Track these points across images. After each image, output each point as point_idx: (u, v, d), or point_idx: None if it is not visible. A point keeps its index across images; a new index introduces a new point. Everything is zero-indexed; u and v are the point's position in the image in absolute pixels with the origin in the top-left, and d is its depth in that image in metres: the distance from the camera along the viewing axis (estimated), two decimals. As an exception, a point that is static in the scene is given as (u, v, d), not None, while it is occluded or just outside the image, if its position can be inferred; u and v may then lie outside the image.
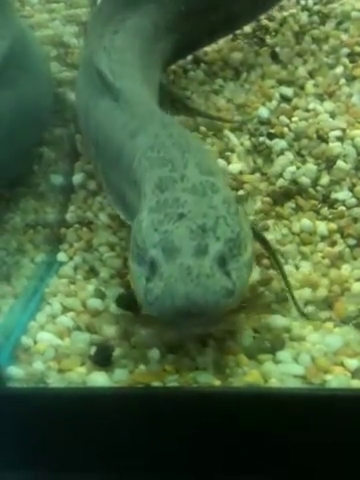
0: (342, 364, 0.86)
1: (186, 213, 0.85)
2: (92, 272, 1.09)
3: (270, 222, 1.19)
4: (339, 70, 1.49)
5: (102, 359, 0.87)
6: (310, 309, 1.00)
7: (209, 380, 0.83)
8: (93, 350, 0.90)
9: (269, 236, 1.15)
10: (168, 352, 0.89)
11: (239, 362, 0.86)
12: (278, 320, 0.93)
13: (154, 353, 0.89)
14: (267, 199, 1.22)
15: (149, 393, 0.79)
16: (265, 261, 1.10)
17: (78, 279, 1.07)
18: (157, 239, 0.83)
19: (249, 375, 0.84)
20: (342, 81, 1.46)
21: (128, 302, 0.95)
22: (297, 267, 1.09)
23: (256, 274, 1.05)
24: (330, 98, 1.42)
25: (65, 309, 1.01)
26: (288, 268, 1.08)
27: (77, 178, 1.28)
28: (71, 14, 1.61)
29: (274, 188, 1.24)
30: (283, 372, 0.84)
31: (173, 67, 1.53)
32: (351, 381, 0.84)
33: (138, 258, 0.86)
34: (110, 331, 0.93)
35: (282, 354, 0.88)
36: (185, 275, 0.78)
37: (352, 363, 0.86)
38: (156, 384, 0.83)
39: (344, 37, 1.57)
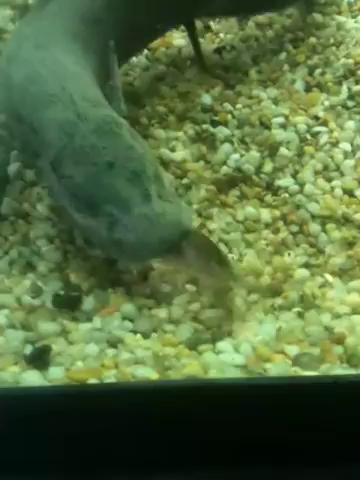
0: (283, 352, 0.85)
1: (113, 160, 0.96)
2: (29, 267, 1.04)
3: (214, 210, 1.17)
4: (282, 56, 1.49)
5: (37, 359, 0.83)
6: (254, 298, 0.99)
7: (148, 373, 0.81)
8: (28, 349, 0.87)
9: (213, 225, 1.14)
10: (108, 346, 0.86)
11: (179, 353, 0.84)
12: (218, 313, 0.91)
13: (92, 349, 0.86)
14: (211, 187, 1.21)
15: (82, 391, 0.76)
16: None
17: (13, 274, 1.02)
18: (105, 194, 0.94)
19: (188, 367, 0.82)
20: (285, 67, 1.46)
21: (66, 300, 0.93)
22: (241, 255, 1.08)
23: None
24: (273, 84, 1.42)
25: (-2, 306, 0.98)
26: (232, 257, 1.06)
27: (12, 168, 1.23)
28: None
29: (218, 176, 1.23)
30: (223, 362, 0.83)
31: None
32: (291, 368, 0.83)
33: (86, 211, 0.95)
34: (46, 328, 0.90)
35: (222, 344, 0.86)
36: (151, 220, 0.93)
37: (293, 350, 0.85)
38: (93, 381, 0.80)
39: (287, 22, 1.58)
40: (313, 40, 1.49)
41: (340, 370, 0.81)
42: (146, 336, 0.89)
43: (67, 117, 1.00)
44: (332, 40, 1.48)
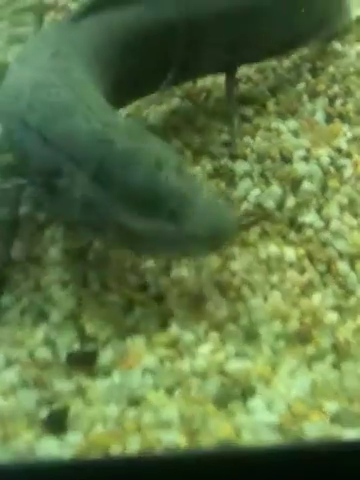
0: (320, 409, 0.78)
1: (159, 159, 0.95)
2: (42, 316, 0.98)
3: (236, 249, 1.12)
4: (301, 86, 1.45)
5: (55, 423, 0.77)
6: (282, 344, 0.92)
7: (175, 438, 0.74)
8: (43, 412, 0.80)
9: (235, 265, 1.08)
10: (130, 406, 0.80)
11: (207, 413, 0.78)
12: (246, 364, 0.85)
13: (112, 410, 0.79)
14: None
15: (105, 464, 0.69)
16: (231, 293, 1.03)
17: (25, 325, 0.96)
18: (165, 190, 0.93)
19: (220, 429, 0.75)
20: (304, 98, 1.42)
21: (81, 358, 0.87)
22: (266, 298, 1.01)
23: (223, 311, 0.97)
24: (293, 116, 1.37)
25: (9, 362, 0.90)
26: (257, 301, 1.00)
27: (23, 209, 1.19)
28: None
29: (238, 213, 1.17)
30: (256, 422, 0.76)
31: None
32: (331, 427, 0.76)
33: (147, 212, 0.92)
34: (62, 386, 0.83)
35: (253, 401, 0.80)
36: (217, 210, 0.97)
37: (331, 406, 0.78)
38: (116, 447, 0.74)
39: (305, 51, 1.54)
40: (332, 69, 1.45)
41: (383, 428, 0.75)
42: (170, 392, 0.82)
43: (94, 126, 0.96)
44: (352, 69, 1.44)
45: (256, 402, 0.79)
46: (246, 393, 0.81)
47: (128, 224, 0.92)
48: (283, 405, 0.78)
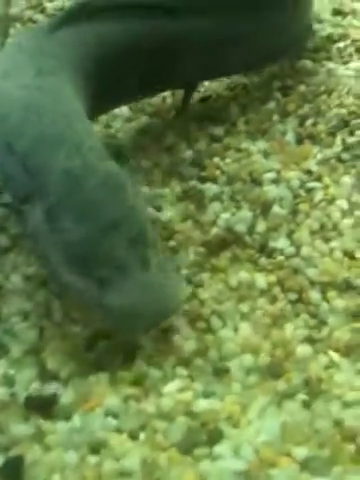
0: (289, 454, 0.75)
1: (117, 220, 0.90)
2: (1, 349, 0.93)
3: (205, 276, 1.08)
4: (272, 105, 1.42)
5: (9, 474, 0.72)
6: (253, 380, 0.89)
7: (136, 486, 0.70)
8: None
9: (204, 294, 1.05)
10: (90, 452, 0.75)
11: (171, 460, 0.74)
12: (214, 404, 0.81)
13: (71, 457, 0.75)
14: (201, 250, 1.12)
15: None
16: (201, 324, 0.99)
17: (-20, 362, 0.92)
18: (104, 254, 0.88)
19: (185, 477, 0.71)
20: (275, 117, 1.39)
21: (40, 402, 0.82)
22: (236, 329, 0.98)
23: (191, 344, 0.93)
24: (263, 136, 1.35)
25: None
26: (227, 332, 0.97)
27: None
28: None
29: (208, 238, 1.14)
30: (222, 469, 0.72)
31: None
32: (300, 475, 0.72)
33: (79, 269, 0.88)
34: (19, 430, 0.78)
35: (219, 447, 0.76)
36: (146, 291, 0.87)
37: (301, 452, 0.75)
38: (72, 499, 0.69)
39: (275, 69, 1.52)
40: (303, 88, 1.43)
41: (354, 474, 0.72)
42: (133, 436, 0.78)
43: (73, 165, 0.93)
44: (323, 88, 1.42)
45: (223, 447, 0.75)
46: (213, 437, 0.77)
47: (61, 275, 0.88)
48: (251, 450, 0.75)
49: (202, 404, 0.82)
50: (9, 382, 0.87)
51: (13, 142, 0.97)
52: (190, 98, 1.38)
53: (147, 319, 0.88)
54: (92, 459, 0.75)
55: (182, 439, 0.77)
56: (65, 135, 0.97)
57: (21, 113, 0.99)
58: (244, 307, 1.02)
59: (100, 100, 1.16)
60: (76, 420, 0.81)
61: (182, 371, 0.89)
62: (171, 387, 0.85)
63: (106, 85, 1.17)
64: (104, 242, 0.88)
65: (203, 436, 0.77)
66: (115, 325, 0.89)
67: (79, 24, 1.16)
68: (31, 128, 0.98)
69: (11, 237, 1.13)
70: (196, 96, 1.44)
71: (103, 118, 1.37)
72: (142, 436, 0.78)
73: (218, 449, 0.76)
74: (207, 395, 0.85)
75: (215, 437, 0.77)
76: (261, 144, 1.31)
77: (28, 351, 0.92)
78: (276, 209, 1.16)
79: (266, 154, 1.29)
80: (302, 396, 0.83)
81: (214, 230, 1.14)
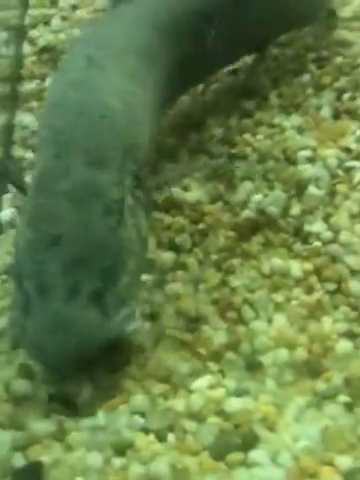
0: (331, 463, 0.68)
1: (61, 235, 0.80)
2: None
3: (236, 262, 1.01)
4: (306, 78, 1.33)
5: (30, 477, 0.66)
6: (288, 377, 0.82)
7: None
8: (17, 459, 0.69)
9: (235, 282, 0.98)
10: (115, 454, 0.70)
11: (203, 466, 0.68)
12: (248, 403, 0.75)
13: (94, 458, 0.69)
14: (231, 233, 1.05)
15: None
16: (231, 314, 0.93)
17: (3, 350, 0.85)
18: (30, 270, 0.80)
19: (217, 486, 0.66)
20: (309, 91, 1.30)
21: (63, 398, 0.75)
22: (270, 321, 0.91)
23: (222, 336, 0.87)
24: (296, 111, 1.26)
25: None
26: (260, 323, 0.90)
27: (6, 215, 1.07)
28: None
29: (239, 220, 1.07)
30: (260, 477, 0.66)
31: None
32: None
33: (17, 277, 0.81)
34: (39, 427, 0.73)
35: (255, 453, 0.70)
36: (54, 323, 0.76)
37: (345, 462, 0.68)
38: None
39: (309, 40, 1.42)
40: (339, 59, 1.34)
41: None
42: (161, 437, 0.72)
43: (55, 167, 0.85)
44: (360, 59, 1.34)
45: (259, 453, 0.69)
46: (247, 442, 0.71)
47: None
48: (289, 457, 0.69)
49: (234, 403, 0.76)
50: (29, 374, 0.81)
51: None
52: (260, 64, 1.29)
53: (47, 356, 0.76)
54: (117, 461, 0.70)
55: (214, 442, 0.71)
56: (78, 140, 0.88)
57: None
58: (278, 297, 0.95)
59: (176, 79, 1.07)
60: (100, 418, 0.76)
61: (212, 365, 0.83)
62: (201, 383, 0.80)
63: (182, 62, 1.07)
64: (36, 255, 0.79)
65: (237, 439, 0.71)
66: (25, 347, 0.80)
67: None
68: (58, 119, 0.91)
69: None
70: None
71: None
72: (171, 437, 0.72)
73: (254, 455, 0.70)
74: (240, 393, 0.78)
75: (250, 441, 0.71)
76: (295, 119, 1.23)
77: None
78: (312, 190, 1.08)
79: (300, 130, 1.21)
80: (344, 398, 0.76)
81: (245, 212, 1.07)
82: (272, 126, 1.22)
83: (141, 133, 0.94)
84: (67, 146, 0.86)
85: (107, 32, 1.05)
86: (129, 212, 0.84)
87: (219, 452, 0.70)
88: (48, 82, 1.36)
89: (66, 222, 0.80)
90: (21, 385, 0.80)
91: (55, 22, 1.54)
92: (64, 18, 1.55)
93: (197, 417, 0.75)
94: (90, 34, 1.10)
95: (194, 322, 0.91)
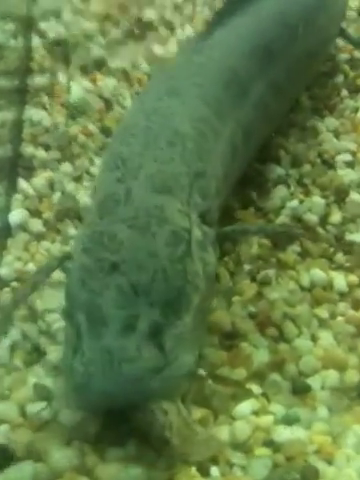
0: None
1: (120, 263, 0.72)
2: (36, 353, 0.78)
3: (271, 272, 0.93)
4: (339, 79, 1.26)
5: None
6: (341, 402, 0.73)
7: None
8: None
9: (273, 294, 0.89)
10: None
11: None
12: (299, 432, 0.65)
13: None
14: (265, 242, 0.96)
15: None
16: (272, 330, 0.84)
17: (16, 367, 0.76)
18: (83, 299, 0.72)
19: None
20: (344, 92, 1.23)
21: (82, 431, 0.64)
22: (314, 338, 0.83)
23: (263, 354, 0.78)
24: (331, 114, 1.19)
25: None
26: (304, 342, 0.82)
27: (15, 216, 0.98)
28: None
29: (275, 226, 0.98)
30: None
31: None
32: None
33: (68, 309, 0.73)
34: (62, 457, 0.62)
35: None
36: (106, 363, 0.66)
37: None
38: None
39: (339, 41, 1.35)
40: (374, 61, 1.28)
41: None
42: (204, 470, 0.62)
43: (116, 193, 0.78)
44: (395, 59, 1.26)
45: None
46: (307, 478, 0.61)
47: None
48: (360, 500, 0.60)
49: (285, 433, 0.67)
50: (46, 394, 0.71)
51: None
52: None
53: (91, 398, 0.66)
54: (154, 501, 0.60)
55: (268, 478, 0.61)
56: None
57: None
58: (322, 312, 0.86)
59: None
60: (131, 447, 0.66)
61: (255, 388, 0.74)
62: (245, 408, 0.70)
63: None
64: (90, 284, 0.71)
65: (294, 474, 0.61)
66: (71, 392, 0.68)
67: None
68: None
69: (45, 222, 0.99)
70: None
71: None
72: (215, 471, 0.63)
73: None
74: (289, 421, 0.69)
75: (310, 477, 0.61)
76: (330, 122, 1.16)
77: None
78: (354, 196, 1.00)
79: (337, 133, 1.14)
80: None
81: (280, 219, 0.99)
82: (304, 129, 1.15)
83: (212, 163, 0.86)
84: (132, 171, 0.80)
85: (195, 60, 0.98)
86: (197, 245, 0.75)
87: (274, 492, 0.61)
88: (60, 76, 1.29)
89: (127, 248, 0.71)
90: (39, 407, 0.69)
91: (66, 15, 1.46)
92: (76, 11, 1.48)
93: (243, 448, 0.65)
94: (179, 62, 1.03)
95: (231, 339, 0.82)
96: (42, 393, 0.71)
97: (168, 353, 0.67)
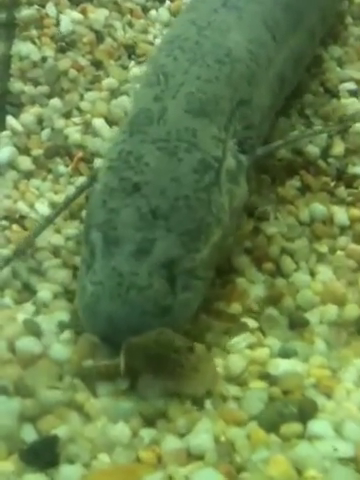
0: None
1: (142, 184, 0.70)
2: (27, 291, 0.76)
3: (270, 208, 0.89)
4: (344, 6, 1.19)
5: (40, 456, 0.54)
6: (340, 337, 0.71)
7: (212, 477, 0.53)
8: (27, 432, 0.57)
9: (271, 229, 0.86)
10: (144, 425, 0.59)
11: (252, 438, 0.57)
12: (297, 366, 0.64)
13: (120, 430, 0.58)
14: (264, 176, 0.93)
15: None
16: (269, 265, 0.81)
17: (5, 304, 0.73)
18: (101, 218, 0.70)
19: (272, 465, 0.54)
20: (348, 19, 1.17)
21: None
22: (313, 274, 0.80)
23: (260, 289, 0.76)
24: (335, 42, 1.13)
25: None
26: (302, 276, 0.79)
27: (4, 153, 0.94)
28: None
29: (272, 161, 0.94)
30: (324, 455, 0.54)
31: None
32: None
33: (86, 227, 0.72)
34: (51, 394, 0.60)
35: (316, 424, 0.59)
36: (114, 286, 0.64)
37: None
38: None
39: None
40: (380, -14, 1.20)
41: None
42: (198, 403, 0.61)
43: (151, 109, 0.74)
44: None
45: (320, 425, 0.58)
46: (305, 411, 0.59)
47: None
48: (357, 430, 0.58)
49: (282, 365, 0.65)
50: (36, 331, 0.69)
51: None
52: None
53: (98, 316, 0.64)
54: (146, 434, 0.59)
55: (264, 411, 0.60)
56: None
57: None
58: (321, 246, 0.84)
59: None
60: (122, 382, 0.63)
61: (251, 322, 0.72)
62: (240, 341, 0.68)
63: None
64: (110, 203, 0.69)
65: (292, 408, 0.59)
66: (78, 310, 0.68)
67: None
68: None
69: (34, 159, 0.95)
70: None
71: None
72: (208, 404, 0.61)
73: (314, 426, 0.58)
74: (286, 354, 0.67)
75: (308, 410, 0.59)
76: (334, 50, 1.11)
77: (59, 294, 0.75)
78: (357, 127, 0.96)
79: (340, 62, 1.08)
80: None
81: (279, 152, 0.95)
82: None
83: (260, 91, 0.81)
84: (172, 89, 0.75)
85: None
86: (227, 176, 0.71)
87: (271, 423, 0.59)
88: (48, 8, 1.22)
89: (151, 171, 0.68)
90: (28, 343, 0.66)
91: None
92: None
93: (238, 380, 0.64)
94: None
95: (226, 274, 0.80)
96: (32, 328, 0.69)
97: (178, 291, 0.64)
